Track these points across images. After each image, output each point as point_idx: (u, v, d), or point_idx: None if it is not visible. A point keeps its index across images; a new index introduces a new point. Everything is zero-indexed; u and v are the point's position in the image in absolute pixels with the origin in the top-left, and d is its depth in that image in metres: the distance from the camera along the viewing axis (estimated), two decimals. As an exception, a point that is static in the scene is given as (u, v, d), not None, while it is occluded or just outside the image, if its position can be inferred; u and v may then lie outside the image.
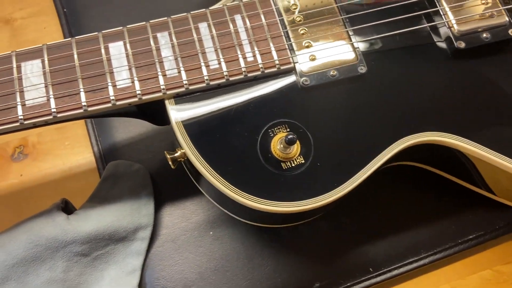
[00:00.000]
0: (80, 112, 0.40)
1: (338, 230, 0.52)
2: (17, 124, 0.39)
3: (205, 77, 0.41)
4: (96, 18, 0.61)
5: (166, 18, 0.43)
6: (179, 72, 0.41)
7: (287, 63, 0.43)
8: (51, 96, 0.39)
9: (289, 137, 0.38)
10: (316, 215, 0.49)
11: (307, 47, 0.44)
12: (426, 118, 0.43)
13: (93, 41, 0.42)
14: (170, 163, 0.43)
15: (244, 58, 0.42)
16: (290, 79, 0.43)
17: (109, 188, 0.51)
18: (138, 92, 0.40)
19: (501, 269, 0.54)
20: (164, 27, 0.42)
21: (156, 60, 0.41)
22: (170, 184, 0.54)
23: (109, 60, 0.41)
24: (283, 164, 0.40)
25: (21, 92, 0.39)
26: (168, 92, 0.41)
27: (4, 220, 0.52)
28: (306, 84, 0.43)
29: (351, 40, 0.44)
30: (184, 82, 0.41)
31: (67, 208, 0.50)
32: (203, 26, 0.43)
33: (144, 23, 0.42)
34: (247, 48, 0.42)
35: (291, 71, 0.43)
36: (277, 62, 0.42)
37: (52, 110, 0.39)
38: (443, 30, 0.45)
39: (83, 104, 0.40)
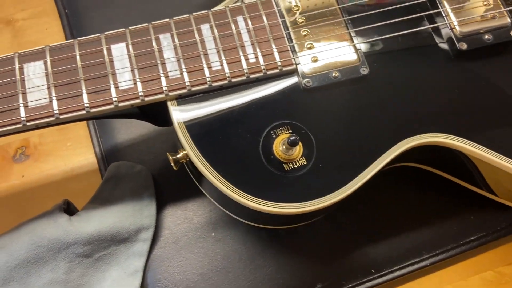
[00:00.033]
0: (83, 113, 0.40)
1: (340, 231, 0.52)
2: (20, 125, 0.39)
3: (207, 79, 0.41)
4: (98, 19, 0.61)
5: (168, 19, 0.43)
6: (181, 73, 0.41)
7: (289, 64, 0.43)
8: (54, 98, 0.39)
9: (291, 138, 0.38)
10: (318, 216, 0.48)
11: (309, 48, 0.44)
12: (428, 119, 0.42)
13: (96, 42, 0.42)
14: (172, 164, 0.43)
15: (246, 59, 0.42)
16: (292, 81, 0.43)
17: (111, 189, 0.51)
18: (140, 93, 0.40)
19: (503, 270, 0.54)
20: (166, 28, 0.42)
21: (159, 62, 0.41)
22: (172, 185, 0.53)
23: (111, 61, 0.41)
24: (285, 166, 0.40)
25: (24, 93, 0.39)
26: (171, 94, 0.41)
27: (6, 221, 0.52)
28: (308, 86, 0.43)
29: (353, 42, 0.44)
30: (186, 83, 0.41)
31: (69, 209, 0.50)
32: (205, 28, 0.43)
33: (146, 24, 0.42)
34: (249, 49, 0.42)
35: (293, 72, 0.43)
36: (279, 63, 0.42)
37: (55, 111, 0.39)
38: (445, 32, 0.45)
39: (86, 105, 0.40)
